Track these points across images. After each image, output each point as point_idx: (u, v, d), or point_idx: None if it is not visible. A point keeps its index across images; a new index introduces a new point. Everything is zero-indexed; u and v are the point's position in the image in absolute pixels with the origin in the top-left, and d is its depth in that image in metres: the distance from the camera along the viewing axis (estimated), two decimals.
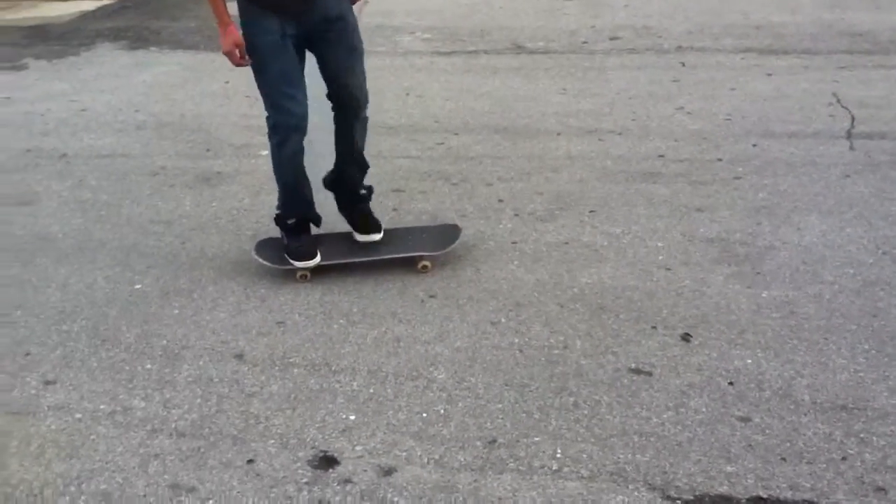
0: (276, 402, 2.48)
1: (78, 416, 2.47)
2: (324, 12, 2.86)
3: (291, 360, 2.66)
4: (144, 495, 2.15)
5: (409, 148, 4.34)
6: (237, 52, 2.81)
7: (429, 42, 6.41)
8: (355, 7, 3.00)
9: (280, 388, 2.53)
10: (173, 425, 2.40)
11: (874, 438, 2.20)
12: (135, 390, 2.57)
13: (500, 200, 3.70)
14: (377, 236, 3.18)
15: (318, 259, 3.09)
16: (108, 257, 3.38)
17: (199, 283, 3.14)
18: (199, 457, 2.28)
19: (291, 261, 3.09)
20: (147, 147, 4.54)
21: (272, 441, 2.32)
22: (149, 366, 2.68)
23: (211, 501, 2.12)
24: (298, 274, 3.11)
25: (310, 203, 3.17)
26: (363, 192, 3.25)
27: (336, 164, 3.20)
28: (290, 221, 3.12)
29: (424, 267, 3.11)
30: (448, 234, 3.26)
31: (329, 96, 3.01)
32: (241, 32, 2.81)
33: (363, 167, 3.22)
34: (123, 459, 2.28)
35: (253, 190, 3.92)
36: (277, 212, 3.17)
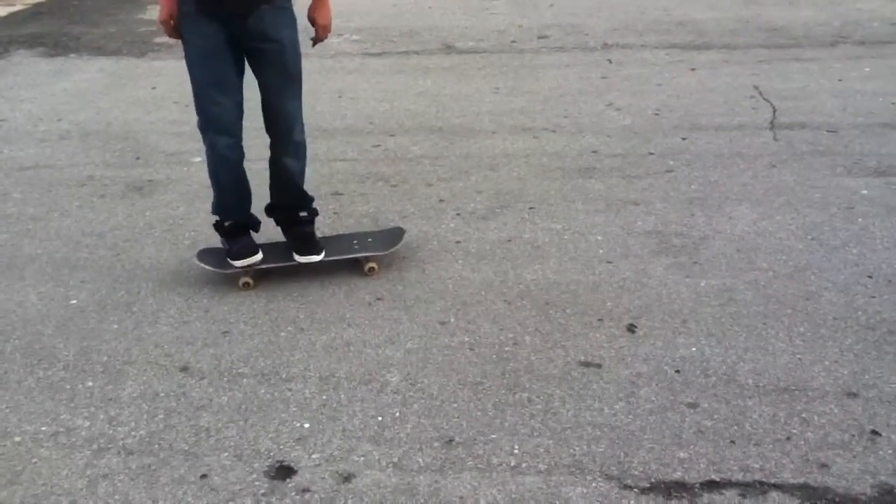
0: (226, 413, 2.43)
1: (17, 439, 2.37)
2: (261, 27, 2.81)
3: (240, 370, 2.61)
4: None
5: (345, 150, 4.31)
6: (171, 23, 2.81)
7: (358, 43, 6.38)
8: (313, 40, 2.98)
9: (230, 400, 2.48)
10: (121, 443, 2.33)
11: (815, 417, 2.29)
12: (77, 409, 2.48)
13: (441, 200, 3.71)
14: (316, 258, 3.06)
15: (260, 255, 3.03)
16: (39, 273, 3.26)
17: (137, 296, 3.05)
18: (150, 474, 2.21)
19: (233, 262, 3.03)
20: (73, 157, 4.38)
21: (225, 454, 2.27)
22: (90, 383, 2.59)
23: None
24: (241, 282, 3.05)
25: (247, 206, 3.10)
26: (303, 215, 3.13)
27: (271, 190, 3.13)
28: (227, 224, 3.07)
29: (371, 269, 3.09)
30: (393, 235, 3.25)
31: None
32: (179, 20, 2.81)
33: (299, 198, 3.13)
34: (70, 482, 2.20)
35: (188, 198, 3.83)
36: (215, 217, 3.10)
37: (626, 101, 4.89)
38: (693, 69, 5.46)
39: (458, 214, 3.58)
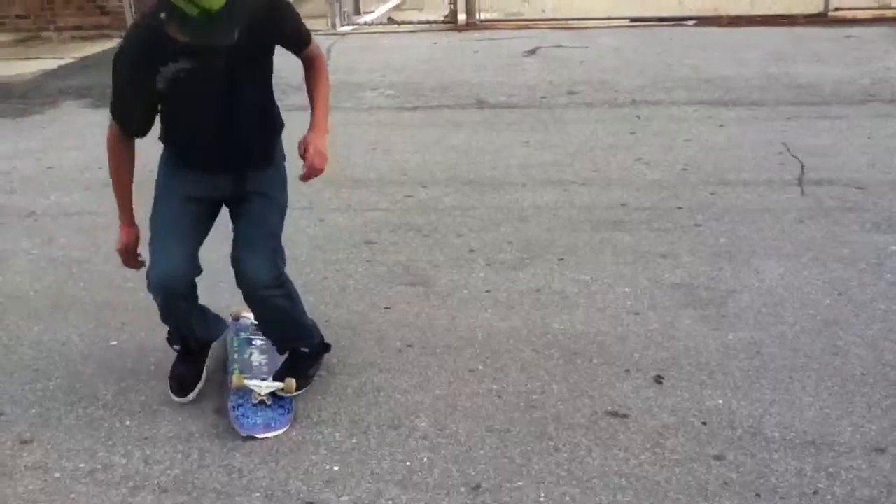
0: (258, 454, 2.48)
1: (56, 475, 2.44)
2: (253, 185, 2.59)
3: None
4: None
5: (378, 200, 4.42)
6: (127, 253, 2.62)
7: (392, 98, 6.56)
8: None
9: (261, 441, 2.54)
10: (156, 481, 2.39)
11: (842, 472, 2.29)
12: (115, 447, 2.55)
13: (472, 250, 3.79)
14: (280, 385, 2.68)
15: (191, 396, 2.73)
16: (81, 314, 3.37)
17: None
18: None
19: (168, 390, 2.76)
20: (115, 204, 4.53)
21: (257, 494, 2.33)
22: (128, 422, 2.67)
23: None
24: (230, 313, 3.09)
25: (197, 334, 2.78)
26: (304, 350, 2.79)
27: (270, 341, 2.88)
28: (175, 347, 2.83)
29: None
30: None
31: None
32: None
33: (296, 333, 2.76)
34: None
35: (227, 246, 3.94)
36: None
37: (654, 155, 4.97)
38: (721, 125, 5.53)
39: (488, 264, 3.65)
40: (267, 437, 2.55)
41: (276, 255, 2.62)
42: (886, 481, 2.24)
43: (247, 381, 2.69)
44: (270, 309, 2.64)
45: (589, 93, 6.44)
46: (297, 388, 2.69)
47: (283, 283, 2.63)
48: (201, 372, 2.83)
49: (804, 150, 4.94)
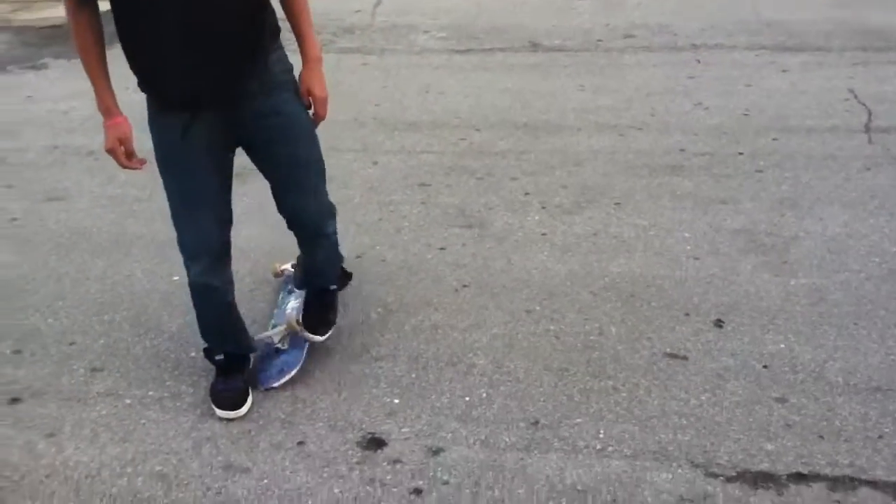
0: (321, 386, 2.54)
1: (127, 401, 2.53)
2: (253, 115, 2.19)
3: (332, 347, 2.72)
4: (200, 476, 2.21)
5: (432, 143, 4.40)
6: (121, 150, 2.21)
7: (445, 41, 6.47)
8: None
9: (322, 374, 2.59)
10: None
11: None
12: (181, 377, 2.63)
13: (527, 193, 3.76)
14: (320, 338, 2.62)
15: (244, 410, 2.44)
16: (143, 251, 3.44)
17: (236, 275, 3.18)
18: (249, 439, 2.34)
19: (213, 406, 2.46)
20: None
21: (320, 423, 2.38)
22: (193, 354, 2.74)
23: (265, 481, 2.18)
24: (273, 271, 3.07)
25: (239, 341, 2.55)
26: (333, 287, 2.72)
27: (301, 269, 2.77)
28: (217, 358, 2.53)
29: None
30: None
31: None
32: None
33: (332, 279, 2.73)
34: (176, 442, 2.34)
35: None
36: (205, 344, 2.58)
37: (714, 101, 4.84)
38: (784, 71, 5.35)
39: (543, 208, 3.62)
40: (283, 383, 2.52)
41: (325, 190, 2.45)
42: None
43: (258, 336, 2.67)
44: (327, 251, 2.60)
45: (646, 36, 6.27)
46: (322, 333, 2.63)
47: (335, 223, 2.57)
48: (246, 383, 2.53)
49: (872, 96, 4.76)
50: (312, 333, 2.62)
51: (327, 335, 2.66)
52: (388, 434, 2.32)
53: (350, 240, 3.38)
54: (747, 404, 2.35)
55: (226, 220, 2.35)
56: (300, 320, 2.62)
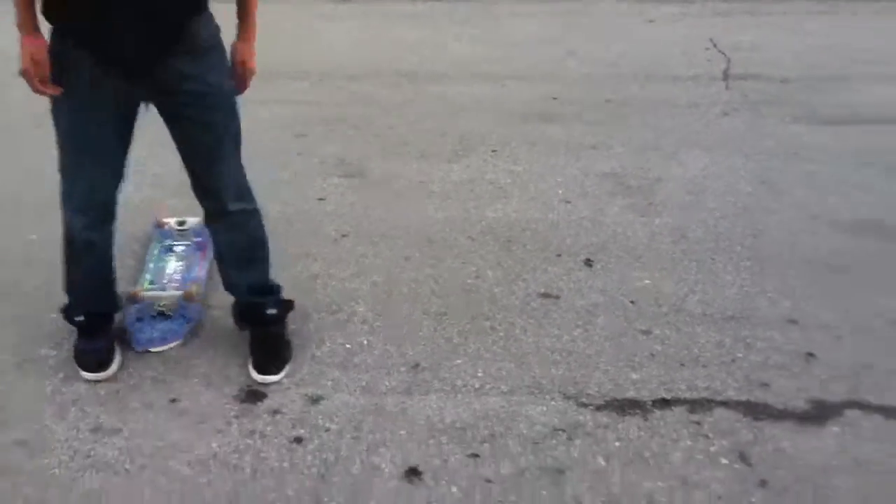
0: (194, 343, 2.47)
1: None
2: (175, 78, 2.03)
3: (211, 302, 2.67)
4: (66, 440, 2.13)
5: (311, 93, 4.33)
6: (35, 71, 1.97)
7: None
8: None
9: (197, 330, 2.54)
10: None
11: (758, 343, 2.44)
12: (41, 339, 2.49)
13: (405, 143, 3.78)
14: (274, 378, 2.32)
15: (111, 371, 2.34)
16: None
17: None
18: (118, 400, 2.26)
19: (78, 367, 2.34)
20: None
21: (195, 380, 2.33)
22: (54, 315, 2.61)
23: (137, 440, 2.13)
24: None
25: (106, 299, 2.41)
26: (271, 312, 2.41)
27: (221, 274, 2.45)
28: (77, 319, 2.37)
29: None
30: None
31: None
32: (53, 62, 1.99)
33: (257, 287, 2.41)
34: (38, 407, 2.23)
35: None
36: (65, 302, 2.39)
37: (585, 50, 4.98)
38: (651, 21, 5.56)
39: (421, 156, 3.65)
40: (163, 351, 2.43)
41: (242, 169, 2.25)
42: (796, 349, 2.41)
43: (145, 293, 2.56)
44: (240, 234, 2.31)
45: None
46: (274, 373, 2.33)
47: (255, 200, 2.30)
48: (113, 341, 2.41)
49: (731, 45, 5.02)
50: (262, 374, 2.32)
51: (281, 375, 2.34)
52: (266, 386, 2.31)
53: None
54: (615, 338, 2.48)
55: (120, 176, 2.18)
56: (200, 294, 2.50)
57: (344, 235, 3.04)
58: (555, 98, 4.27)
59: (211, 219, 2.31)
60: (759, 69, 4.65)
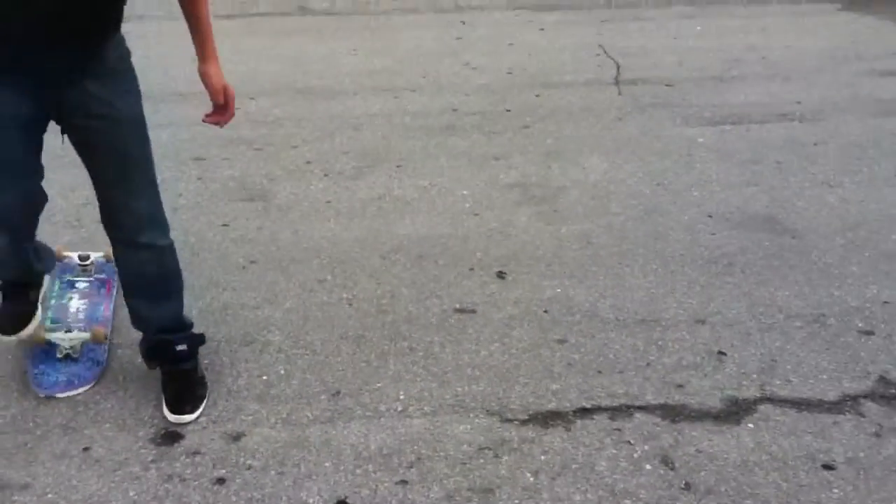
0: (103, 384, 2.36)
1: None
2: (83, 100, 1.95)
3: (115, 341, 2.54)
4: None
5: (203, 114, 4.18)
6: None
7: (210, 5, 6.15)
8: None
9: (105, 373, 2.42)
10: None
11: (670, 344, 2.52)
12: None
13: (308, 162, 3.71)
14: (189, 417, 2.22)
15: (28, 330, 2.31)
16: None
17: None
18: (27, 452, 2.13)
19: None
20: None
21: (107, 425, 2.22)
22: None
23: (49, 495, 2.01)
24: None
25: (25, 275, 2.32)
26: (180, 348, 2.31)
27: (129, 310, 2.33)
28: None
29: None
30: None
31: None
32: None
33: (169, 322, 2.30)
34: None
35: None
36: None
37: (481, 60, 5.03)
38: (542, 29, 5.67)
39: (325, 175, 3.59)
40: (70, 396, 2.30)
41: (157, 198, 2.16)
42: (707, 348, 2.50)
43: (48, 335, 2.42)
44: (150, 267, 2.20)
45: None
46: (189, 413, 2.22)
47: (168, 232, 2.22)
48: (35, 304, 2.40)
49: (619, 51, 5.18)
50: (176, 414, 2.21)
51: (197, 414, 2.23)
52: (183, 426, 2.22)
53: None
54: (533, 349, 2.50)
55: (31, 194, 2.10)
56: (108, 335, 2.38)
57: (252, 262, 2.96)
58: (455, 110, 4.30)
59: (119, 251, 2.22)
60: (646, 73, 4.82)
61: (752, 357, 2.45)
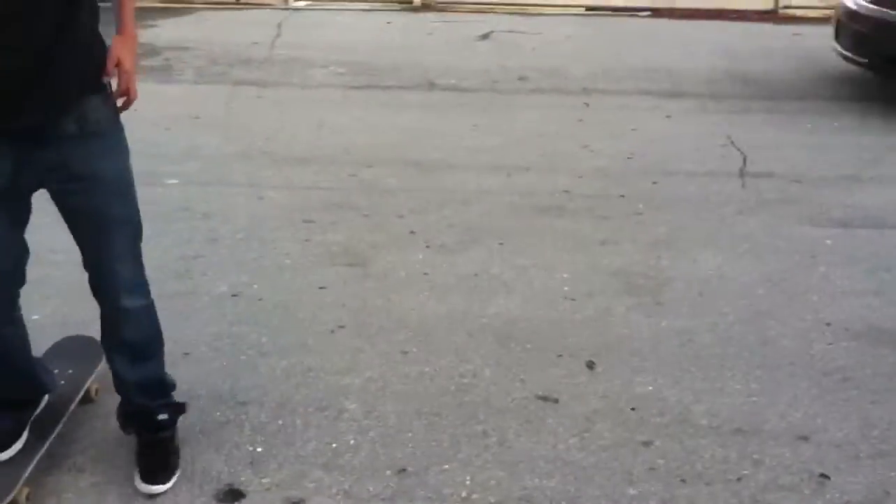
0: (179, 433, 2.40)
1: None
2: (63, 160, 1.92)
3: (195, 392, 2.59)
4: None
5: (320, 179, 4.34)
6: None
7: (342, 76, 6.45)
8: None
9: (181, 422, 2.46)
10: (71, 461, 2.30)
11: (766, 459, 2.31)
12: None
13: (412, 232, 3.74)
14: (162, 487, 2.17)
15: (7, 454, 2.18)
16: None
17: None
18: (97, 493, 2.19)
19: None
20: None
21: (175, 475, 2.25)
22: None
23: None
24: None
25: (22, 388, 2.28)
26: (162, 418, 2.27)
27: (112, 373, 2.29)
28: None
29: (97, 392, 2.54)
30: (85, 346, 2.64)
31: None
32: None
33: (148, 384, 2.25)
34: None
35: (161, 220, 3.82)
36: None
37: (600, 143, 4.97)
38: (668, 116, 5.56)
39: (427, 246, 3.60)
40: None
41: (139, 259, 2.15)
42: (807, 468, 2.27)
43: None
44: (134, 331, 2.18)
45: (539, 79, 6.42)
46: (163, 482, 2.19)
47: (149, 294, 2.20)
48: (24, 425, 2.24)
49: (747, 143, 4.99)
50: (150, 483, 2.17)
51: (170, 484, 2.19)
52: (247, 485, 2.21)
53: (227, 278, 3.27)
54: (614, 448, 2.35)
55: (18, 263, 2.08)
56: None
57: (341, 326, 2.97)
58: (566, 191, 4.24)
59: (103, 314, 2.19)
60: (774, 167, 4.60)
61: (858, 484, 2.20)
